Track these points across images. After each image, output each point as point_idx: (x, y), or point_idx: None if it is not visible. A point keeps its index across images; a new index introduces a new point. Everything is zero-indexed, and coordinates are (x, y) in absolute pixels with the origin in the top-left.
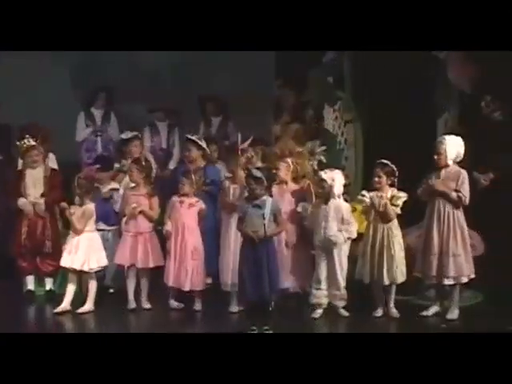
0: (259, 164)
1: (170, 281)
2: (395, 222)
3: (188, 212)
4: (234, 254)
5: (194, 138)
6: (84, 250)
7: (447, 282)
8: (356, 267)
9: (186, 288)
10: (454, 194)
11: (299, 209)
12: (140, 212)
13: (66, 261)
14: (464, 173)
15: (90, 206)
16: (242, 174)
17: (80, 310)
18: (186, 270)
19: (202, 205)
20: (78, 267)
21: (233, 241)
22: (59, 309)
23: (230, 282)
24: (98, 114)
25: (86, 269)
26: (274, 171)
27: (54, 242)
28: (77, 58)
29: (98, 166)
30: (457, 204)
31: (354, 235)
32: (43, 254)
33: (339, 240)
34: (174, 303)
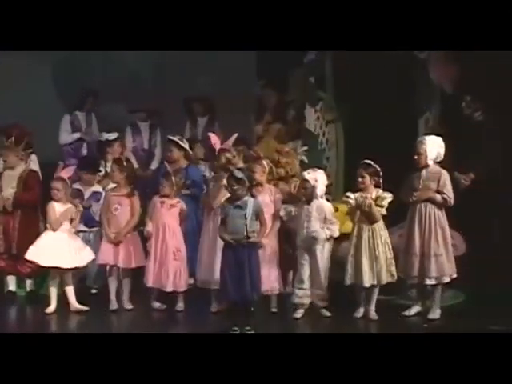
0: (241, 164)
1: (150, 281)
2: (380, 222)
3: (169, 213)
4: (213, 253)
5: (175, 138)
6: (71, 248)
7: (429, 282)
8: (339, 268)
9: (169, 289)
10: (438, 197)
11: (282, 212)
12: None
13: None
14: (445, 173)
15: (71, 206)
16: (221, 174)
17: (75, 309)
18: (168, 271)
19: (183, 205)
20: (69, 266)
21: (211, 240)
22: (49, 310)
23: (208, 279)
24: (82, 117)
25: (79, 265)
26: (250, 173)
27: (24, 242)
28: (58, 58)
29: (78, 167)
30: (442, 206)
31: (336, 234)
32: (20, 255)
33: (321, 236)
34: (156, 304)
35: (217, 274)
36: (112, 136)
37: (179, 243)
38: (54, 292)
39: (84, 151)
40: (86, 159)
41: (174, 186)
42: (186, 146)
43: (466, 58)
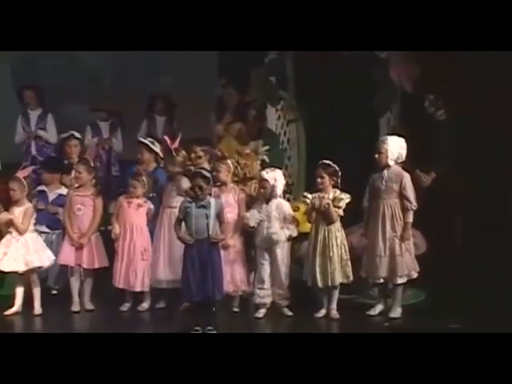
0: (206, 165)
1: (119, 282)
2: (337, 223)
3: (136, 213)
4: (171, 253)
5: (146, 141)
6: (35, 249)
7: (396, 281)
8: (300, 267)
9: (137, 289)
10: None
11: (248, 214)
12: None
13: (18, 264)
14: (406, 176)
15: (31, 205)
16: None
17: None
18: (136, 271)
19: (150, 205)
20: (34, 265)
21: (168, 240)
22: (10, 311)
23: (164, 279)
24: (33, 115)
25: (41, 265)
26: (215, 173)
27: None
28: (15, 57)
29: (40, 167)
30: (404, 208)
31: (295, 233)
32: None
33: (281, 238)
34: (126, 305)
35: (172, 274)
36: (65, 134)
37: (147, 243)
38: (20, 293)
39: (33, 152)
40: (46, 159)
41: (146, 186)
42: (156, 149)
43: (426, 57)
